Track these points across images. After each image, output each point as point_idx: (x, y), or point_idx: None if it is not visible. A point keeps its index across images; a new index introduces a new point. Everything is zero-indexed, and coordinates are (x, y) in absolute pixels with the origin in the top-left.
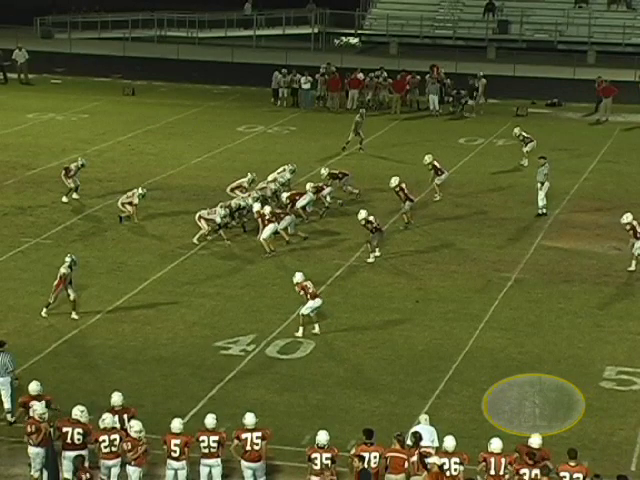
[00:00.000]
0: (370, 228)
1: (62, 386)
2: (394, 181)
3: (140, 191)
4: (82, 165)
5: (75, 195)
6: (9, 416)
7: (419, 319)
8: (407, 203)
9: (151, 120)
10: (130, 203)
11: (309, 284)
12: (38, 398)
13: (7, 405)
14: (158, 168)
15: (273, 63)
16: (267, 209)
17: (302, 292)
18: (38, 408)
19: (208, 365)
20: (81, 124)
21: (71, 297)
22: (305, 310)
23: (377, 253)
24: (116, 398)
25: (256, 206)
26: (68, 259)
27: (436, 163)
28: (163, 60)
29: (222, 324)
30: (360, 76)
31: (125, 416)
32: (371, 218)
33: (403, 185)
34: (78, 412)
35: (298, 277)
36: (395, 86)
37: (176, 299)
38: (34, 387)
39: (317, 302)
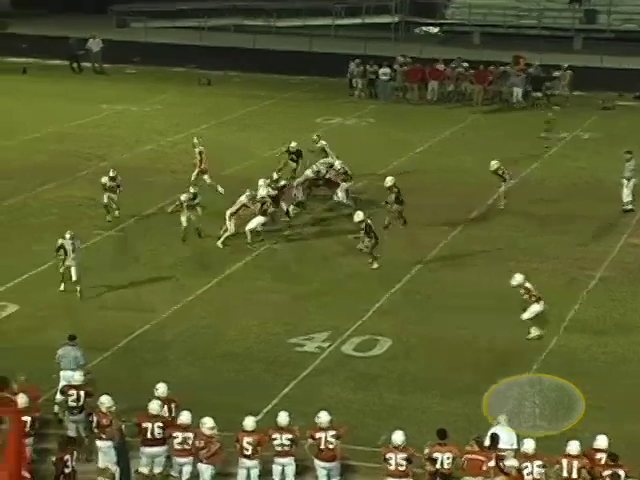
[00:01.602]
0: (368, 232)
1: (131, 381)
2: (389, 181)
3: (192, 189)
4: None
5: (109, 217)
6: (56, 408)
7: (500, 318)
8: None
9: (226, 111)
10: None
11: (530, 286)
12: (79, 388)
13: (59, 397)
14: (232, 160)
15: (352, 53)
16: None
17: (526, 295)
18: (105, 401)
19: (282, 362)
20: (155, 115)
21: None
22: (528, 315)
23: (375, 265)
24: (162, 389)
25: (263, 191)
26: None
27: (502, 170)
28: (239, 50)
29: (296, 320)
30: (441, 67)
31: (173, 406)
32: (369, 221)
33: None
34: (156, 406)
35: (518, 279)
36: (477, 77)
37: (249, 295)
38: (77, 377)
39: (541, 306)
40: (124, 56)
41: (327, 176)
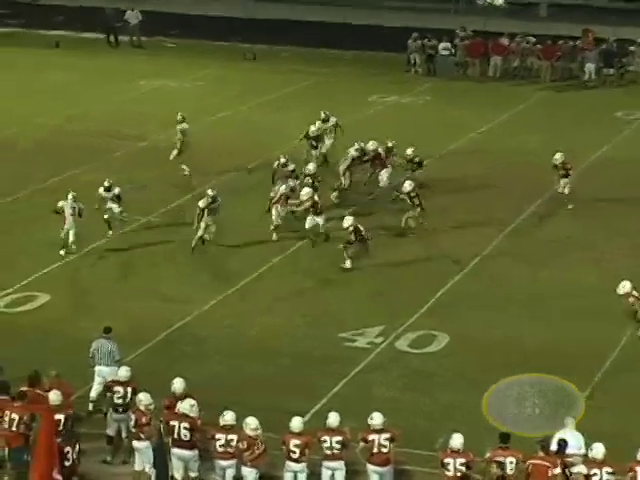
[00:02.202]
0: (356, 237)
1: (169, 377)
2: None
3: (210, 192)
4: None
5: (110, 232)
6: (91, 406)
7: (569, 314)
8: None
9: (273, 88)
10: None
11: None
12: (125, 384)
13: (93, 394)
14: (277, 142)
15: (408, 26)
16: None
17: (635, 304)
18: (144, 399)
19: (332, 359)
20: (196, 92)
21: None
22: None
23: (348, 264)
24: (178, 385)
25: (307, 190)
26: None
27: (567, 163)
28: (288, 22)
29: (347, 314)
30: (505, 41)
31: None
32: (360, 227)
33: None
34: (187, 406)
35: (627, 286)
36: (545, 52)
37: (298, 286)
38: (123, 373)
39: None
40: (163, 29)
41: (375, 152)
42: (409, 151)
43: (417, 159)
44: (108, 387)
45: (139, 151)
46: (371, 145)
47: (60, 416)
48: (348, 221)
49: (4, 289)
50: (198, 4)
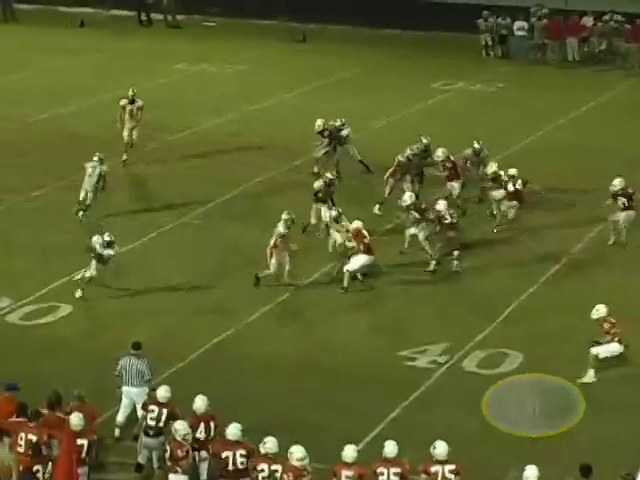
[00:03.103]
0: (442, 225)
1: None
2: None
3: (285, 216)
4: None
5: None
6: (117, 431)
7: None
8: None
9: (325, 73)
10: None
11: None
12: (162, 405)
13: (121, 418)
14: None
15: (478, 3)
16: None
17: (609, 332)
18: (181, 428)
19: (389, 379)
20: (239, 77)
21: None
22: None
23: (432, 267)
24: (200, 403)
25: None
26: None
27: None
28: None
29: (407, 329)
30: (586, 20)
31: (212, 424)
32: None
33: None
34: (237, 431)
35: (602, 310)
36: (634, 33)
37: (352, 297)
38: (162, 393)
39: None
40: (202, 6)
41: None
42: (512, 171)
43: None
44: (144, 405)
45: (173, 144)
46: (441, 154)
47: (83, 441)
48: (441, 205)
49: (20, 300)
50: None
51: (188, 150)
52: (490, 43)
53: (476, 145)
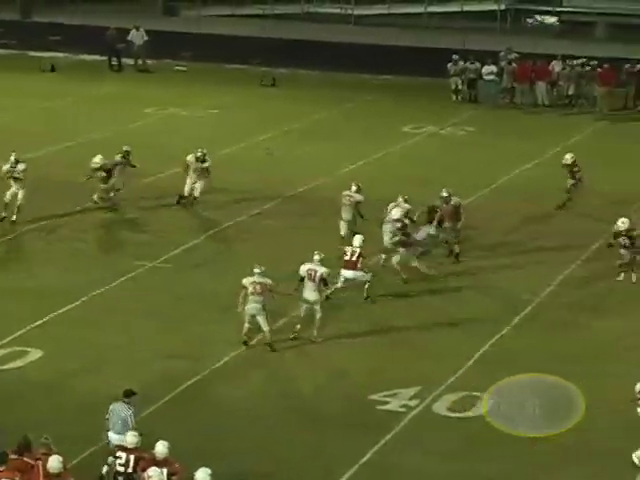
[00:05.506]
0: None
1: (178, 444)
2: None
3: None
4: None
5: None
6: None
7: None
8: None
9: (294, 117)
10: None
11: None
12: (129, 451)
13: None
14: (302, 177)
15: (447, 47)
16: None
17: None
18: (154, 475)
19: (361, 423)
20: (209, 121)
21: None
22: None
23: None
24: (160, 448)
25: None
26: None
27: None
28: (310, 43)
29: (379, 372)
30: (557, 65)
31: (165, 470)
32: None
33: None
34: (205, 475)
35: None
36: (602, 77)
37: (324, 339)
38: (130, 439)
39: None
40: (173, 50)
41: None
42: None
43: None
44: (113, 451)
45: (144, 188)
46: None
47: None
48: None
49: None
50: (210, 23)
51: (159, 194)
52: (460, 87)
53: (444, 193)
